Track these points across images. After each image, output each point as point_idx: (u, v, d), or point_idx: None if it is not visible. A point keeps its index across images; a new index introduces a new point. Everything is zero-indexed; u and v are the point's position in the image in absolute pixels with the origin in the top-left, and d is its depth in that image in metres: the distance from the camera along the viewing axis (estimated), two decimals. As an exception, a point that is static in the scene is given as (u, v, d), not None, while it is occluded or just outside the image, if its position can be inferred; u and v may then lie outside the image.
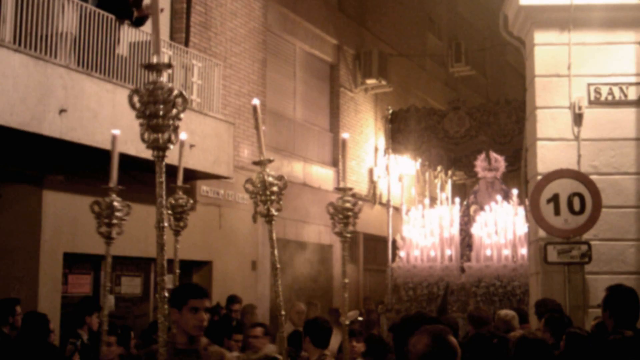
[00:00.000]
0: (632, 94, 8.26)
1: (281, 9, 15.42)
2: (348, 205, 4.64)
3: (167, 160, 3.03)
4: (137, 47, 10.19)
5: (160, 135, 2.94)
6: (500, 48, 23.29)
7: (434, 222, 13.13)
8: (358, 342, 6.93)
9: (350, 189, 4.74)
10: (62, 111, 8.68)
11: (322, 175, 16.59)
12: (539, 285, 8.20)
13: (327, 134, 17.35)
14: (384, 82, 18.30)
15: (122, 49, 9.99)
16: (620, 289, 5.43)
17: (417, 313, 5.16)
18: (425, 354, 3.27)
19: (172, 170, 4.24)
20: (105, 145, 7.40)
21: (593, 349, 4.91)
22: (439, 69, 22.92)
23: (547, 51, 8.42)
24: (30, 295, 9.39)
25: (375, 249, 18.29)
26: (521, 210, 12.58)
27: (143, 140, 2.97)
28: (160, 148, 2.96)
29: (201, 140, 10.88)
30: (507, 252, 12.39)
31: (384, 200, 15.98)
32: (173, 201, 5.27)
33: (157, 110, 2.91)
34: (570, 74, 8.30)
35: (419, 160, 14.57)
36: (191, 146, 10.27)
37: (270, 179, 4.13)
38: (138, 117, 2.93)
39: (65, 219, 9.83)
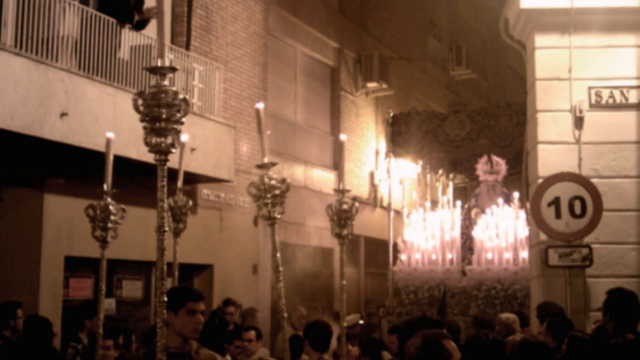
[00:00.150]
0: (632, 97, 8.27)
1: (282, 13, 15.42)
2: (345, 207, 4.64)
3: (168, 164, 3.02)
4: (139, 50, 10.18)
5: (163, 139, 2.94)
6: (501, 51, 23.28)
7: (435, 225, 13.14)
8: (353, 345, 7.05)
9: (348, 191, 4.74)
10: (63, 115, 8.67)
11: (323, 178, 16.57)
12: (540, 289, 8.20)
13: (328, 137, 17.34)
14: (384, 86, 18.29)
15: (123, 53, 9.98)
16: (620, 293, 5.42)
17: (421, 316, 5.17)
18: (415, 356, 3.27)
19: (172, 174, 4.23)
20: (106, 148, 7.38)
21: (595, 353, 4.91)
22: (440, 72, 22.92)
23: (548, 54, 8.43)
24: (31, 298, 9.37)
25: (376, 252, 18.28)
26: (522, 214, 12.59)
27: (146, 143, 2.96)
28: (163, 152, 2.96)
29: (202, 143, 10.88)
30: (508, 255, 12.39)
31: (385, 203, 15.97)
32: (172, 202, 5.25)
33: (160, 114, 2.90)
34: (571, 77, 8.31)
35: (420, 164, 14.59)
36: (192, 150, 10.28)
37: (273, 182, 4.12)
38: (142, 120, 2.93)
39: (66, 222, 9.82)
